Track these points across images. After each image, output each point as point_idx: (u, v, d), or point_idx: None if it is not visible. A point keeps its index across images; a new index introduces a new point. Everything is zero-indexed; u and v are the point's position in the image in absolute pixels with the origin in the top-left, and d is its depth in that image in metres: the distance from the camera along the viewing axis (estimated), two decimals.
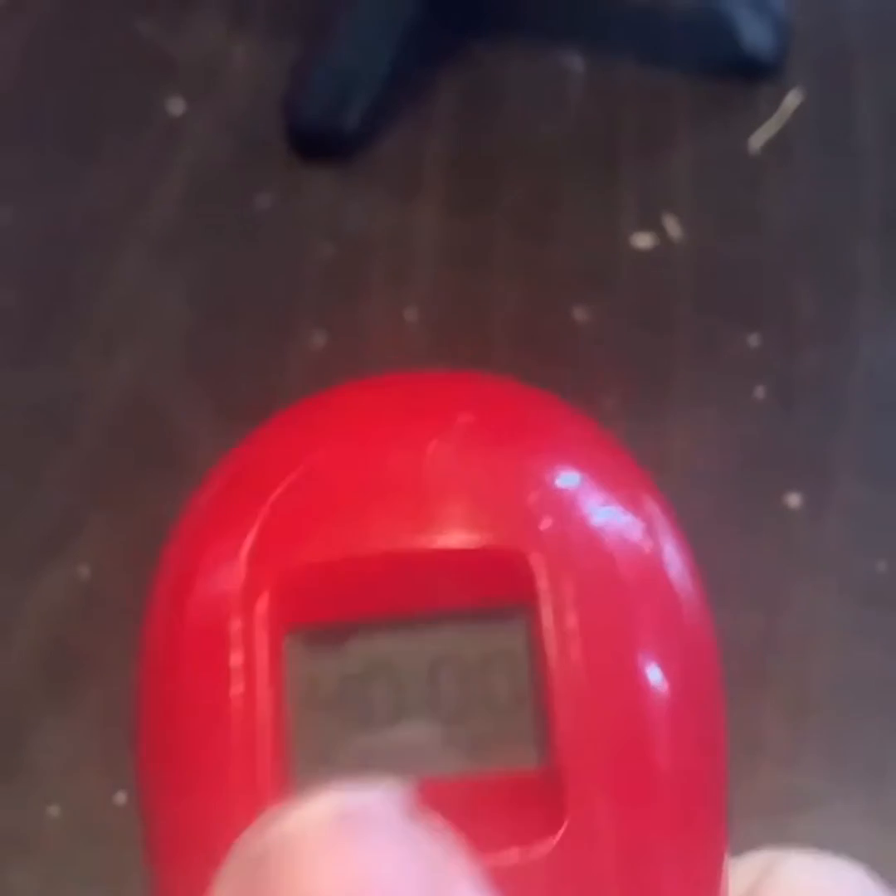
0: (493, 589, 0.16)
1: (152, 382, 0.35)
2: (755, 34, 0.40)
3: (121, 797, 0.29)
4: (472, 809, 0.15)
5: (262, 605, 0.16)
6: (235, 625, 0.16)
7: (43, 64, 0.40)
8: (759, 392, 0.35)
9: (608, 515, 0.16)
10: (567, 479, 0.17)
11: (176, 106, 0.39)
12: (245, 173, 0.39)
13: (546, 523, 0.16)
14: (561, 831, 0.15)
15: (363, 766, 0.16)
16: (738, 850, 0.30)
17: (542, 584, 0.16)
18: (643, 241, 0.37)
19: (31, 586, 0.32)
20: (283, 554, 0.16)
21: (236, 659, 0.15)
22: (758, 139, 0.39)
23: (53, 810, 0.30)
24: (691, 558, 0.18)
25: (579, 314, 0.36)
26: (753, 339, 0.36)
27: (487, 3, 0.41)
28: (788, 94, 0.40)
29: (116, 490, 0.34)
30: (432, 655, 0.16)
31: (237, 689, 0.15)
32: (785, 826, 0.30)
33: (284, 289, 0.37)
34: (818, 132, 0.39)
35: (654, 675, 0.16)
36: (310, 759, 0.16)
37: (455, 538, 0.16)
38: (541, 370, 0.36)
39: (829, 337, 0.36)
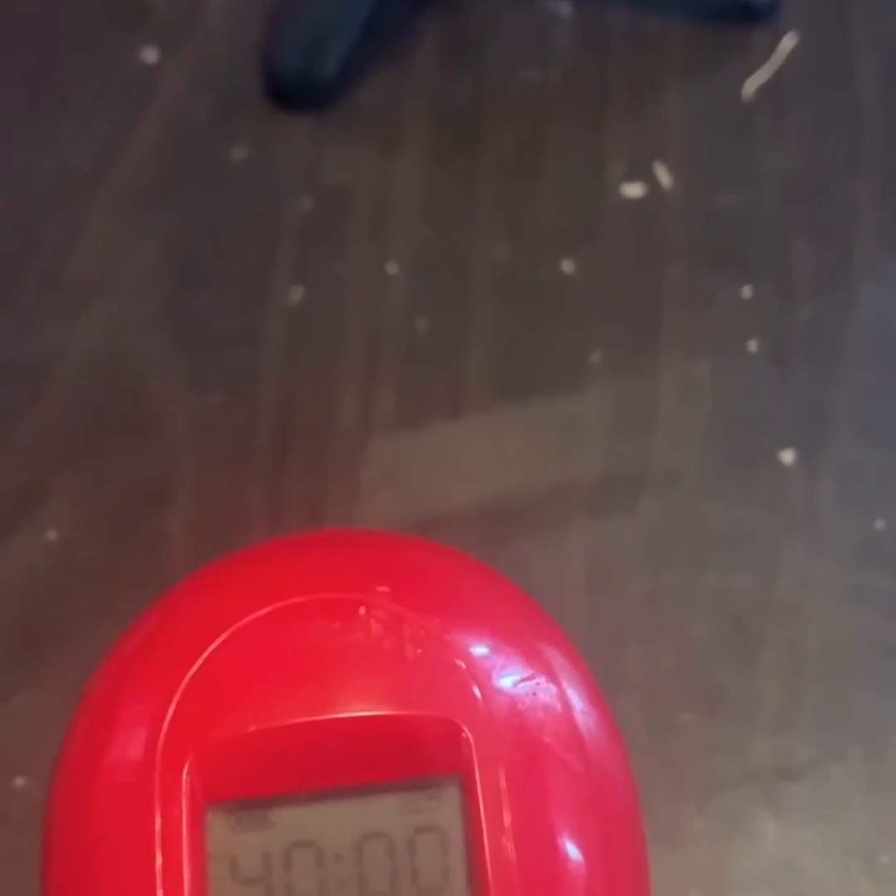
0: (424, 759, 0.15)
1: (122, 342, 0.34)
2: None
3: None
4: None
5: (184, 778, 0.15)
6: (156, 799, 0.15)
7: (9, 11, 0.39)
8: (753, 346, 0.34)
9: (526, 681, 0.16)
10: (488, 647, 0.16)
11: (150, 55, 0.38)
12: (221, 124, 0.37)
13: (473, 693, 0.15)
14: None
15: None
16: (734, 817, 0.29)
17: (478, 754, 0.15)
18: (633, 190, 0.36)
19: None
20: (205, 725, 0.15)
21: (157, 834, 0.15)
22: (751, 84, 0.38)
23: (19, 781, 0.29)
24: (603, 705, 0.17)
25: (567, 266, 0.35)
26: (747, 291, 0.35)
27: None
28: (783, 37, 0.38)
29: (85, 454, 0.33)
30: (359, 831, 0.15)
31: (157, 865, 0.14)
32: (780, 792, 0.29)
33: (260, 243, 0.36)
34: (814, 76, 0.38)
35: (582, 846, 0.15)
36: None
37: (384, 707, 0.16)
38: (527, 325, 0.35)
39: (825, 289, 0.35)
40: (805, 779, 0.29)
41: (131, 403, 0.33)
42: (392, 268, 0.35)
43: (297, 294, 0.35)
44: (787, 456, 0.33)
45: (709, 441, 0.33)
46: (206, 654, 0.16)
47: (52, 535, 0.32)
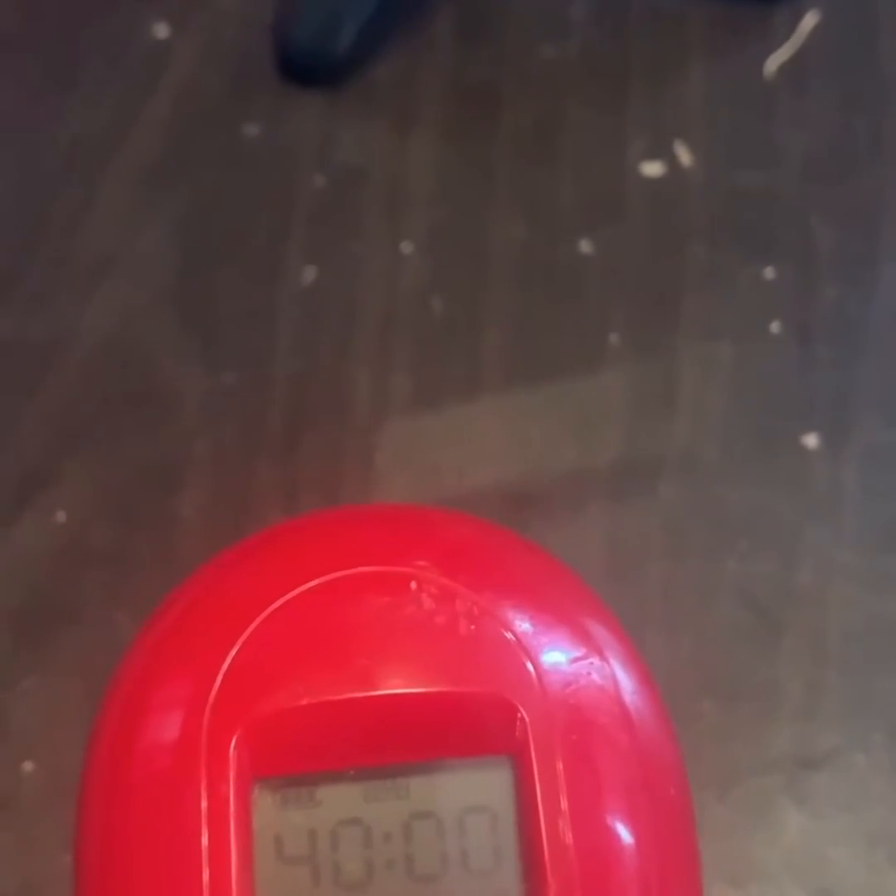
0: (477, 738, 0.15)
1: (133, 322, 0.34)
2: None
3: None
4: None
5: (231, 753, 0.14)
6: (201, 774, 0.14)
7: None
8: (775, 327, 0.34)
9: (580, 660, 0.16)
10: (541, 625, 0.16)
11: (161, 30, 0.37)
12: (233, 101, 0.37)
13: (528, 672, 0.15)
14: None
15: None
16: (756, 807, 0.29)
17: (534, 735, 0.14)
18: (653, 169, 0.36)
19: (5, 533, 0.31)
20: (252, 699, 0.15)
21: (203, 811, 0.14)
22: (773, 62, 0.37)
23: (27, 766, 0.29)
24: (654, 687, 0.17)
25: (585, 246, 0.35)
26: (769, 272, 0.34)
27: None
28: (805, 15, 0.38)
29: (95, 435, 0.32)
30: (408, 810, 0.15)
31: (204, 843, 0.14)
32: (802, 781, 0.29)
33: (273, 222, 0.35)
34: (836, 54, 0.37)
35: (635, 830, 0.15)
36: None
37: (438, 684, 0.15)
38: (544, 306, 0.34)
39: (848, 270, 0.34)
40: (828, 767, 0.29)
41: (142, 384, 0.33)
42: (407, 247, 0.35)
43: (310, 274, 0.34)
44: (810, 440, 0.32)
45: (730, 424, 0.32)
46: (252, 627, 0.15)
47: (61, 517, 0.31)
